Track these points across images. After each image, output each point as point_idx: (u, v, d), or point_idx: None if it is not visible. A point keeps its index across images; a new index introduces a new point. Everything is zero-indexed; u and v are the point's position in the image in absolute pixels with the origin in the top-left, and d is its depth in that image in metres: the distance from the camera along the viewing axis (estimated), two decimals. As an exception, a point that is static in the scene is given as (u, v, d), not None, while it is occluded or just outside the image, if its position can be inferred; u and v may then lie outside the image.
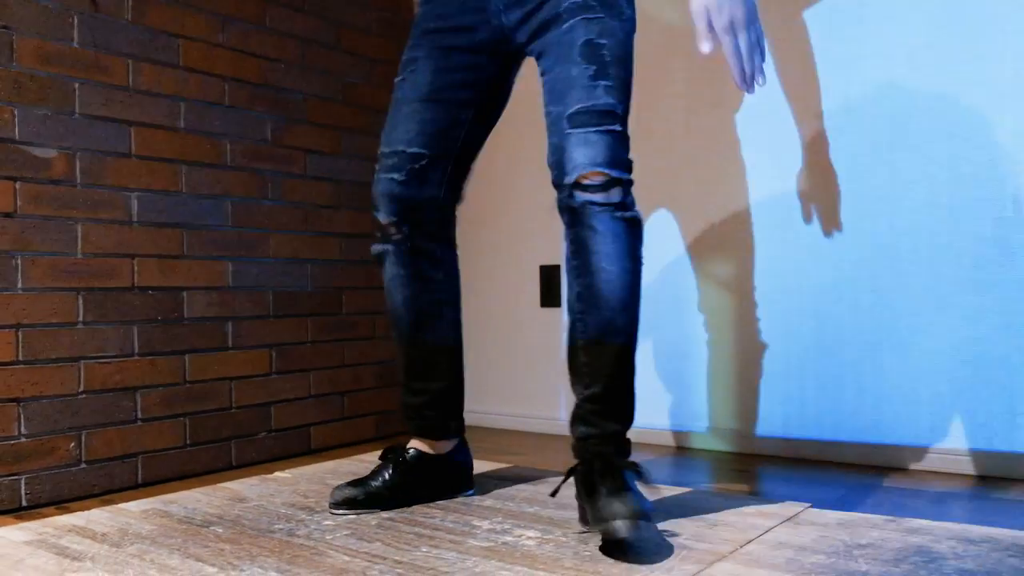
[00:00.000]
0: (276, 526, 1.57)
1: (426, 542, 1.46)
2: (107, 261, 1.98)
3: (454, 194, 1.73)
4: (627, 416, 1.54)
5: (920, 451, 2.05)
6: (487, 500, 1.74)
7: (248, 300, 2.27)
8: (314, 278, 2.44)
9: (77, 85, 1.92)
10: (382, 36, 2.68)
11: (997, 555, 1.31)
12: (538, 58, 1.60)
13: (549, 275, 2.69)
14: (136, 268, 2.04)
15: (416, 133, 1.65)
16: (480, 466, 2.06)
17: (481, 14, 1.62)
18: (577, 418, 1.54)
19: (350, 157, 2.55)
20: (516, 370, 2.78)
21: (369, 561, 1.36)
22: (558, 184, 1.52)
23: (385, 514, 1.64)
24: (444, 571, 1.31)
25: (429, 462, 1.75)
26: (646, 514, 1.34)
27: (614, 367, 1.51)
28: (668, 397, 2.45)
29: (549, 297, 2.69)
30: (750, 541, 1.42)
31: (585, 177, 1.47)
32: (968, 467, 1.98)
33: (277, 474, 2.04)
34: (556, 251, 2.64)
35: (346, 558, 1.38)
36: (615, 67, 1.50)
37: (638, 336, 1.54)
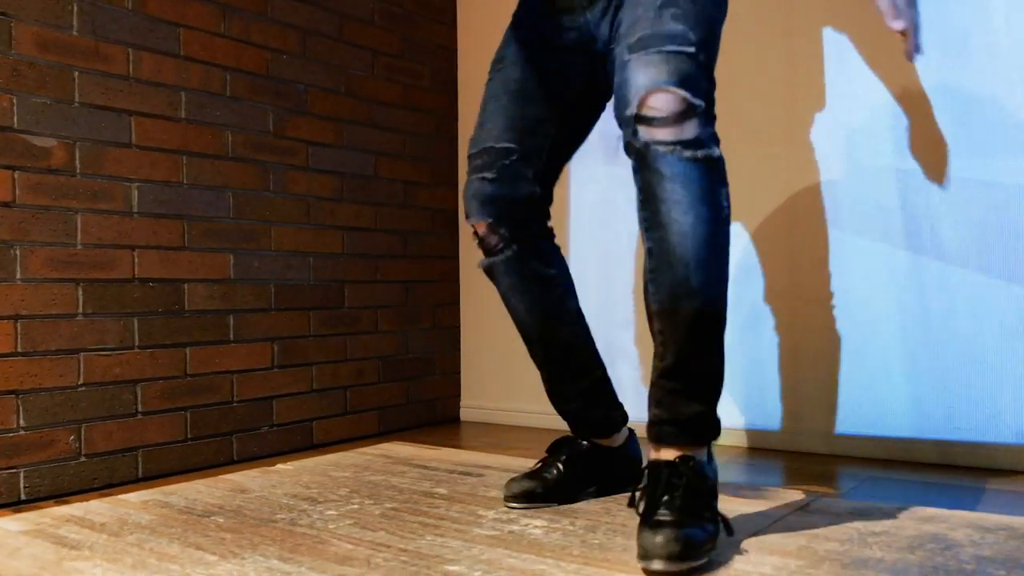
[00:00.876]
0: (278, 516, 1.55)
1: (431, 531, 1.43)
2: (107, 252, 1.96)
3: (547, 193, 1.61)
4: (708, 395, 1.34)
5: (931, 443, 2.02)
6: (492, 491, 1.71)
7: (250, 293, 2.25)
8: (316, 271, 2.42)
9: (77, 73, 1.90)
10: (384, 28, 2.66)
11: (1015, 543, 1.29)
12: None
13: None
14: (136, 259, 2.01)
15: (504, 128, 1.56)
16: (485, 459, 2.04)
17: (569, 14, 1.53)
18: (652, 398, 1.36)
19: (353, 149, 2.53)
20: (522, 364, 2.74)
21: (372, 549, 1.33)
22: (620, 119, 1.34)
23: (389, 504, 1.62)
24: (449, 559, 1.28)
25: (602, 455, 1.65)
26: (689, 552, 1.18)
27: (690, 335, 1.30)
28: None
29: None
30: (761, 530, 1.39)
31: (648, 102, 1.27)
32: (979, 459, 1.95)
33: (279, 466, 2.01)
34: (562, 237, 2.61)
35: (349, 546, 1.35)
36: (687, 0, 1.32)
37: (725, 289, 1.34)
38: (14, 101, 1.80)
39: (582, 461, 1.64)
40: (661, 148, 1.27)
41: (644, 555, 1.19)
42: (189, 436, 2.10)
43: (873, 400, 2.09)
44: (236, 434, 2.20)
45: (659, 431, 1.34)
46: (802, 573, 1.17)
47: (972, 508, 1.53)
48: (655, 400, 1.35)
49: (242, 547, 1.36)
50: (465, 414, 2.85)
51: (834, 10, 2.17)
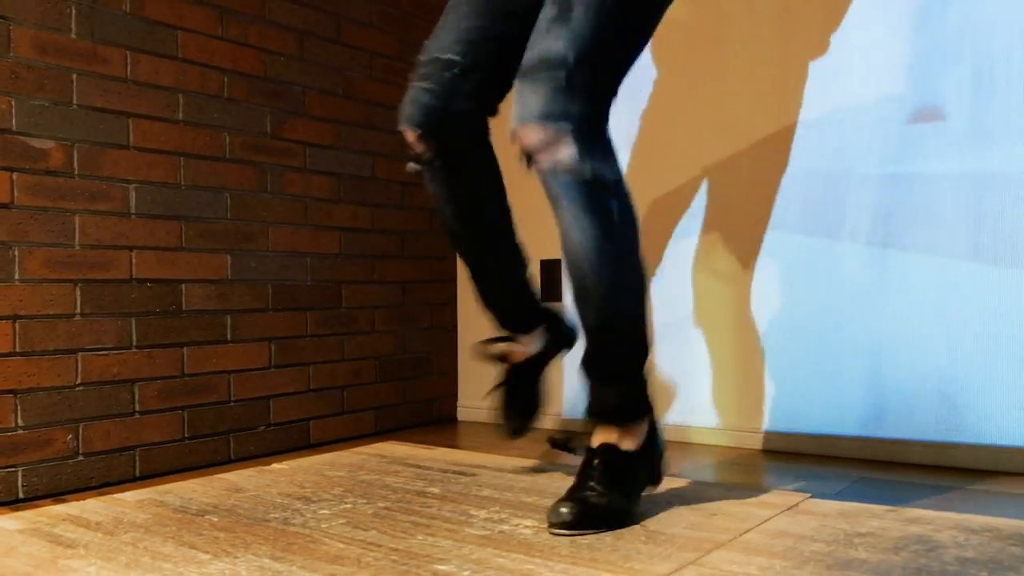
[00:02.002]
0: (271, 515, 1.56)
1: (422, 530, 1.45)
2: (105, 253, 1.97)
3: (487, 110, 1.62)
4: (627, 375, 1.49)
5: (922, 445, 2.03)
6: (485, 490, 1.73)
7: (247, 293, 2.26)
8: (313, 271, 2.43)
9: (75, 76, 1.92)
10: (383, 30, 2.67)
11: (999, 544, 1.30)
12: None
13: (551, 269, 2.67)
14: (134, 260, 2.03)
15: (454, 40, 1.55)
16: (479, 458, 2.05)
17: None
18: (584, 385, 1.53)
19: (350, 151, 2.55)
20: (517, 365, 2.76)
21: (364, 549, 1.35)
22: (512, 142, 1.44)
23: (381, 503, 1.63)
24: (439, 558, 1.29)
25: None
26: (586, 521, 1.39)
27: (597, 337, 1.46)
28: (667, 391, 2.43)
29: (551, 292, 2.68)
30: (749, 530, 1.40)
31: (519, 136, 1.38)
32: (970, 461, 1.96)
33: (274, 466, 2.03)
34: (558, 245, 2.63)
35: (341, 546, 1.37)
36: (580, 6, 1.36)
37: (636, 289, 1.46)
38: (12, 103, 1.81)
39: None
40: (543, 172, 1.38)
41: (549, 521, 1.40)
42: (186, 435, 2.12)
43: (862, 401, 2.11)
44: (233, 433, 2.22)
45: (587, 414, 1.52)
46: (787, 574, 1.19)
47: (960, 510, 1.54)
48: (587, 390, 1.52)
49: (235, 546, 1.38)
50: (462, 414, 2.87)
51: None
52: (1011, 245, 1.92)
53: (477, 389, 2.83)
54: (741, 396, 2.31)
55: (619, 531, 1.41)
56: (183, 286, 2.12)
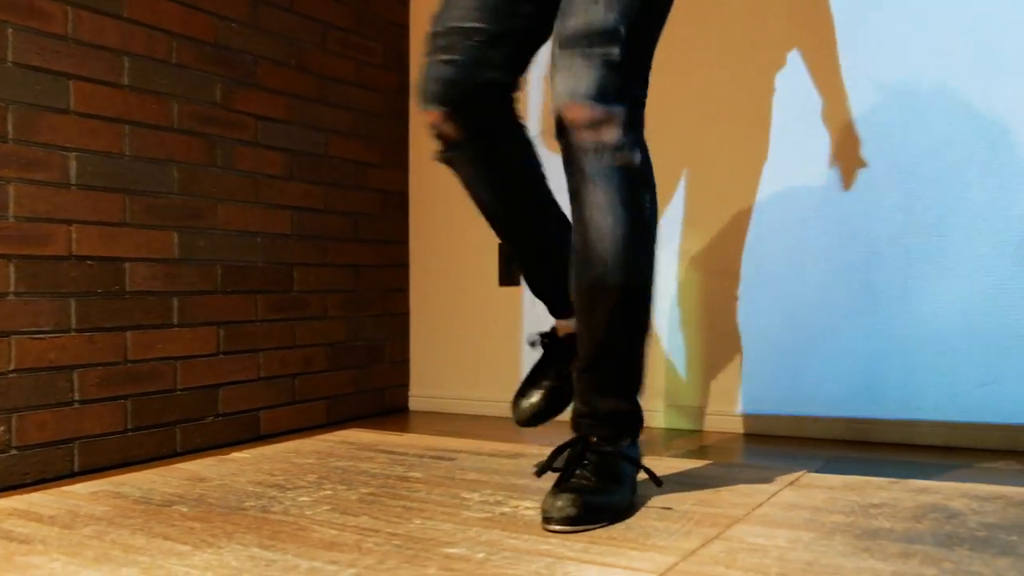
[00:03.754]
0: (247, 503, 1.44)
1: (417, 515, 1.35)
2: (41, 226, 1.80)
3: (515, 80, 1.46)
4: (624, 392, 1.38)
5: (890, 423, 2.03)
6: (470, 473, 1.64)
7: (195, 274, 2.11)
8: (264, 252, 2.30)
9: (10, 31, 1.75)
10: (338, 0, 2.55)
11: (1014, 510, 1.29)
12: None
13: (508, 254, 2.60)
14: (73, 235, 1.86)
15: (472, 6, 1.39)
16: (454, 443, 1.96)
17: None
18: (575, 394, 1.41)
19: (303, 127, 2.41)
20: (473, 352, 2.67)
21: (359, 534, 1.25)
22: (553, 114, 1.32)
23: (364, 489, 1.53)
24: (446, 541, 1.20)
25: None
26: (586, 516, 1.24)
27: (606, 333, 1.33)
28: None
29: (507, 276, 2.60)
30: (760, 504, 1.36)
31: (567, 112, 1.27)
32: (938, 438, 1.97)
33: (235, 454, 1.89)
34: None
35: (333, 532, 1.26)
36: None
37: (645, 292, 1.36)
38: (-58, 56, 1.64)
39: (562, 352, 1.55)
40: (582, 150, 1.28)
41: (546, 517, 1.24)
42: (129, 426, 1.96)
43: (830, 381, 2.10)
44: (180, 424, 2.07)
45: (579, 423, 1.38)
46: (818, 544, 1.14)
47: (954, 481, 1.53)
48: (577, 393, 1.40)
49: (215, 536, 1.25)
50: (414, 403, 2.76)
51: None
52: (957, 223, 1.95)
53: (430, 378, 2.73)
54: (700, 380, 2.28)
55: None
56: (126, 265, 1.96)
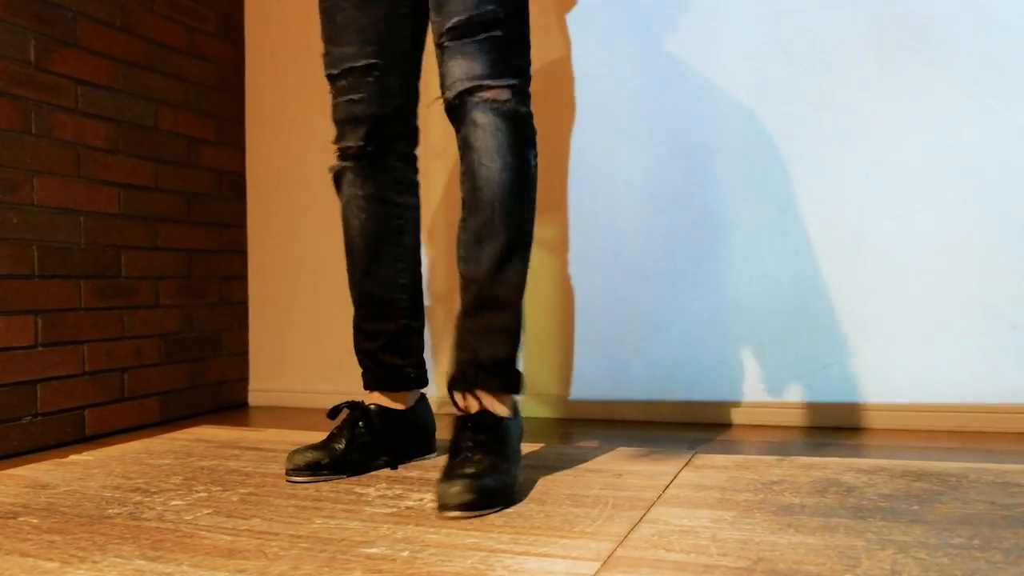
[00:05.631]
0: (110, 511, 1.26)
1: (315, 514, 1.24)
2: None
3: (413, 96, 1.57)
4: (506, 341, 1.40)
5: (734, 406, 2.12)
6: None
7: (8, 255, 1.85)
8: (88, 233, 2.05)
9: None
10: (162, -39, 2.32)
11: (902, 481, 1.36)
12: None
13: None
14: None
15: (361, 42, 1.49)
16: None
17: None
18: (456, 345, 1.42)
19: (130, 95, 2.18)
20: (316, 343, 2.53)
21: (258, 539, 1.12)
22: (444, 99, 1.41)
23: (242, 489, 1.39)
24: (359, 541, 1.11)
25: (395, 419, 1.55)
26: (482, 501, 1.23)
27: (492, 274, 1.37)
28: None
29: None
30: (667, 487, 1.36)
31: (465, 88, 1.36)
32: (787, 419, 2.08)
33: (73, 457, 1.67)
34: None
35: (227, 538, 1.13)
36: None
37: (529, 245, 1.42)
38: None
39: (371, 428, 1.52)
40: (474, 104, 1.36)
41: (442, 504, 1.22)
42: (-70, 431, 1.69)
43: (681, 366, 2.17)
44: (-9, 427, 1.80)
45: (463, 375, 1.39)
46: (742, 523, 1.15)
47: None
48: (458, 344, 1.41)
49: (84, 549, 1.08)
50: (254, 398, 2.58)
51: None
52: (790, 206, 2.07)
53: (270, 371, 2.56)
54: (553, 366, 2.28)
55: (538, 497, 1.30)
56: (-75, 243, 1.69)
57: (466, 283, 1.40)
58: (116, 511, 1.26)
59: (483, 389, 1.38)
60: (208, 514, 1.24)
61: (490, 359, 1.39)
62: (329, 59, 1.53)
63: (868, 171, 2.03)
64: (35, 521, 1.21)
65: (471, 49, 1.35)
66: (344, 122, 1.53)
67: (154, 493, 1.37)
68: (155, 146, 2.26)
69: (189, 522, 1.20)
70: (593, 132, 2.25)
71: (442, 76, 1.40)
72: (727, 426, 2.08)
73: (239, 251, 2.57)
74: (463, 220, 1.40)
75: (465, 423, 1.35)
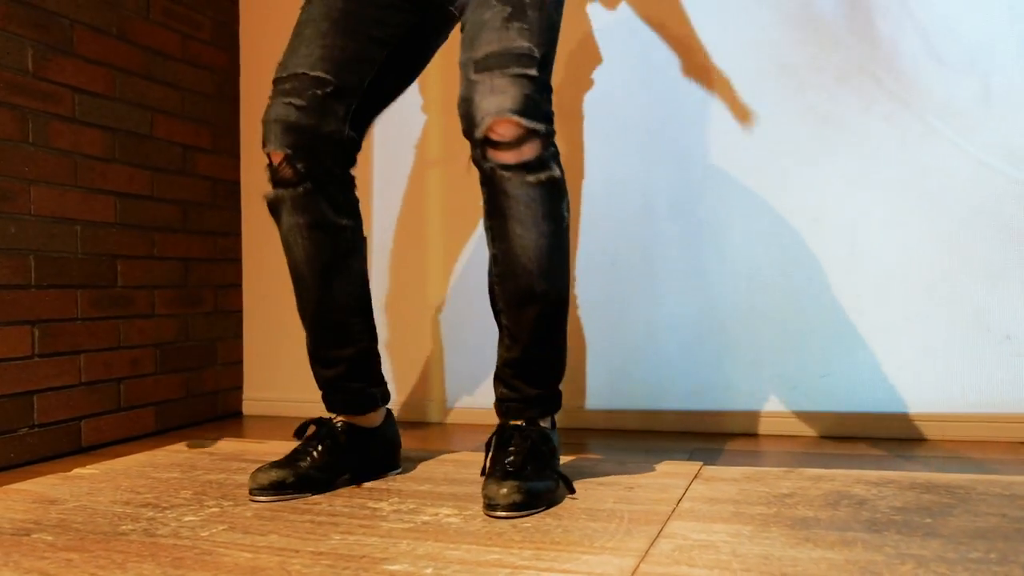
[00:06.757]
0: (124, 527, 1.25)
1: (332, 529, 1.23)
2: None
3: (355, 137, 1.49)
4: (549, 379, 1.46)
5: (732, 415, 2.14)
6: (367, 482, 1.53)
7: (5, 265, 1.83)
8: (84, 242, 2.03)
9: None
10: (158, -32, 2.31)
11: (911, 494, 1.38)
12: (460, 14, 1.43)
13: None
14: None
15: (321, 57, 1.42)
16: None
17: None
18: (499, 380, 1.46)
19: (127, 103, 2.16)
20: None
21: (279, 555, 1.12)
22: (467, 135, 1.35)
23: (256, 505, 1.38)
24: (381, 558, 1.11)
25: (361, 436, 1.54)
26: (531, 501, 1.30)
27: (533, 333, 1.41)
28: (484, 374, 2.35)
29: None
30: (680, 500, 1.37)
31: (495, 129, 1.30)
32: (785, 428, 2.10)
33: (78, 471, 1.65)
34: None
35: (247, 555, 1.12)
36: (533, 9, 1.34)
37: (567, 294, 1.44)
38: None
39: (337, 446, 1.51)
40: (506, 173, 1.33)
41: (490, 504, 1.28)
42: (-73, 444, 1.66)
43: (681, 377, 2.18)
44: (-12, 439, 1.78)
45: (507, 407, 1.45)
46: (760, 537, 1.16)
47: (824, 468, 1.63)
48: (503, 383, 1.45)
49: (104, 568, 1.08)
50: (248, 407, 2.56)
51: None
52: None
53: (265, 380, 2.55)
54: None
55: (555, 512, 1.31)
56: (-77, 254, 1.67)
57: (510, 337, 1.43)
58: (130, 527, 1.25)
59: (528, 416, 1.44)
60: (224, 530, 1.23)
61: (537, 395, 1.45)
62: (282, 65, 1.45)
63: (861, 184, 2.06)
64: (49, 538, 1.20)
65: (502, 83, 1.30)
66: (275, 123, 1.41)
67: (166, 508, 1.36)
68: (151, 154, 2.24)
69: (206, 538, 1.19)
70: (591, 142, 2.26)
71: (467, 114, 1.33)
72: (726, 435, 2.10)
73: (234, 260, 2.56)
74: (498, 276, 1.41)
75: (512, 431, 1.41)
